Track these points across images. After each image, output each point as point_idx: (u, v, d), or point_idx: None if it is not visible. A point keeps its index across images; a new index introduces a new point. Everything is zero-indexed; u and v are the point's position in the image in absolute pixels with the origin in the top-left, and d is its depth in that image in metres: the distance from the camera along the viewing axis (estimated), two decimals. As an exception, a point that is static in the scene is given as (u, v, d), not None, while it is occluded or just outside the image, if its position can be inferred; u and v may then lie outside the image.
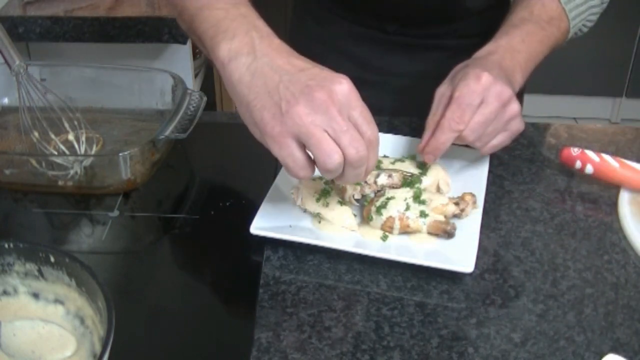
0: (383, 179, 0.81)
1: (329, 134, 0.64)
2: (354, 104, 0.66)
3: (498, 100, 0.78)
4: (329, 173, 0.66)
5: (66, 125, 0.90)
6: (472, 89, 0.78)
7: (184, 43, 1.45)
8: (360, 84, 0.85)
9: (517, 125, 0.82)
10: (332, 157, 0.64)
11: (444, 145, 0.80)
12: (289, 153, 0.65)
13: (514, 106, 0.80)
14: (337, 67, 0.89)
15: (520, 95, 1.18)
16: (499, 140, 0.82)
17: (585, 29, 0.95)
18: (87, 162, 0.85)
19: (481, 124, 0.78)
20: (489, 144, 0.82)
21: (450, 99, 0.79)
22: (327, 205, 0.80)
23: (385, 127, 1.00)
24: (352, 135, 0.65)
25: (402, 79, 1.10)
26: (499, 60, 0.82)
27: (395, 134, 0.95)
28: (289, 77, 0.66)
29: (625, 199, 0.84)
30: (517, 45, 0.85)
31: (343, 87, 0.65)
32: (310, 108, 0.64)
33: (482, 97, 0.78)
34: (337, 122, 0.64)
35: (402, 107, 1.06)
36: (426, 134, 0.82)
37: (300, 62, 0.67)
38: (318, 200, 0.81)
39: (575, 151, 0.89)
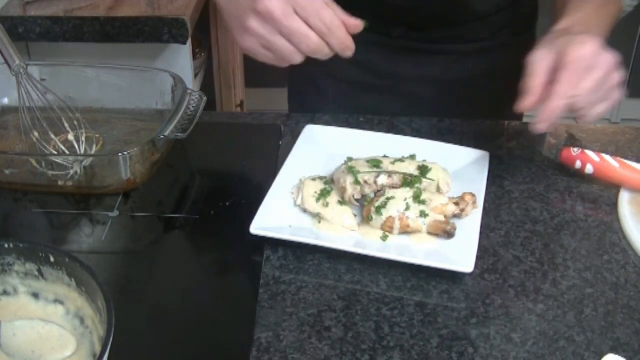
0: (383, 179, 0.81)
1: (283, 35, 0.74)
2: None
3: (607, 66, 0.76)
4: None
5: (66, 125, 0.90)
6: (583, 54, 0.75)
7: (184, 43, 1.45)
8: (365, 89, 0.85)
9: (618, 94, 0.80)
10: (290, 58, 0.76)
11: (558, 111, 0.75)
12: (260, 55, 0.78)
13: (619, 74, 0.78)
14: (341, 72, 0.90)
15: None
16: (602, 108, 0.78)
17: (628, 9, 0.95)
18: (87, 162, 0.85)
19: (591, 90, 0.76)
20: (592, 112, 0.78)
21: (558, 64, 0.76)
22: (327, 205, 0.80)
23: (385, 127, 1.00)
24: (299, 37, 0.74)
25: (407, 83, 1.09)
26: (585, 32, 0.80)
27: (396, 134, 0.95)
28: None
29: (625, 199, 0.84)
30: (592, 19, 0.84)
31: None
32: (259, 21, 0.74)
33: (592, 63, 0.75)
34: (283, 27, 0.74)
35: (407, 111, 1.06)
36: (530, 98, 0.76)
37: None
38: (318, 200, 0.81)
39: (575, 151, 0.89)
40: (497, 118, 1.03)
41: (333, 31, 0.75)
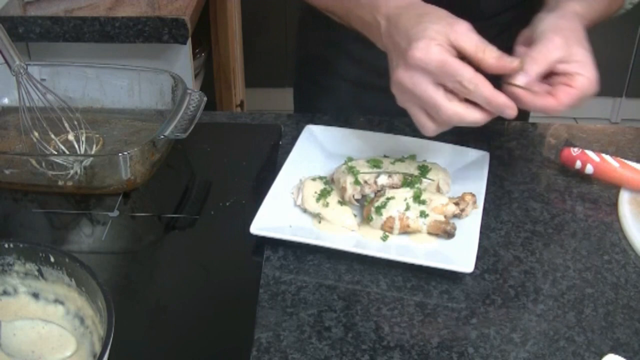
0: (383, 179, 0.81)
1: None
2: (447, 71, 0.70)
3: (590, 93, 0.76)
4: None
5: (66, 125, 0.90)
6: (587, 83, 0.75)
7: (184, 43, 1.45)
8: (369, 88, 0.85)
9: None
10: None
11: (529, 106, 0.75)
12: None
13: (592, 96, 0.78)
14: (345, 71, 0.89)
15: None
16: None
17: (629, 6, 0.95)
18: (87, 162, 0.85)
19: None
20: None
21: (560, 69, 0.75)
22: (327, 205, 0.80)
23: (385, 127, 1.00)
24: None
25: None
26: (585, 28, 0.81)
27: (396, 134, 0.94)
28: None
29: (625, 199, 0.85)
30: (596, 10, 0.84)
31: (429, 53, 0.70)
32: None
33: (587, 91, 0.76)
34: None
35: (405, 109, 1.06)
36: (523, 79, 0.74)
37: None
38: (318, 200, 0.81)
39: (575, 151, 0.89)
40: (497, 118, 1.03)
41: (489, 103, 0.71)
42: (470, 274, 0.74)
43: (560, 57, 0.75)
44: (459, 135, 0.98)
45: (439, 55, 0.69)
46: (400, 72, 0.72)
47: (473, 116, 0.72)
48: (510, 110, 0.72)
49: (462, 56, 0.71)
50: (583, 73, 0.74)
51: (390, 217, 0.77)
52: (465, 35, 0.71)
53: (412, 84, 0.71)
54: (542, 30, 0.77)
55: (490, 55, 0.71)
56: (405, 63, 0.71)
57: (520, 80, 0.73)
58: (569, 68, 0.75)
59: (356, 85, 1.10)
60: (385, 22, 0.77)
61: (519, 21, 0.91)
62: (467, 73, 0.69)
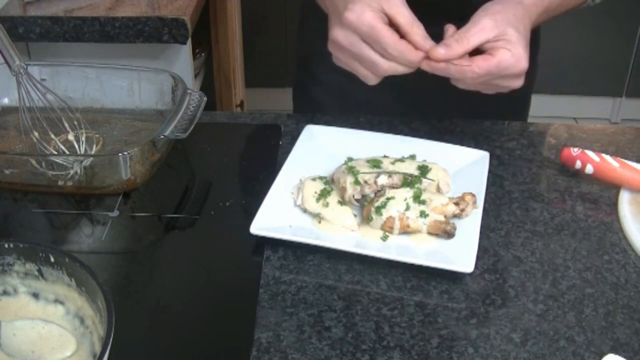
0: (383, 179, 0.81)
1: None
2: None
3: (513, 72, 0.79)
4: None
5: (66, 125, 0.90)
6: (505, 61, 0.78)
7: (184, 43, 1.45)
8: (364, 83, 0.85)
9: (505, 90, 0.83)
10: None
11: (447, 72, 0.80)
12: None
13: (519, 81, 0.82)
14: (344, 68, 0.89)
15: (526, 95, 1.18)
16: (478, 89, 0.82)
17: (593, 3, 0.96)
18: (87, 162, 0.85)
19: (484, 77, 0.80)
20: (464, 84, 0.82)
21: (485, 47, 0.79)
22: (327, 205, 0.80)
23: (385, 127, 1.00)
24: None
25: (404, 77, 1.09)
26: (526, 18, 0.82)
27: (396, 134, 0.95)
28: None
29: (625, 199, 0.84)
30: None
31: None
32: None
33: (507, 66, 0.79)
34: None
35: (406, 106, 1.06)
36: (446, 53, 0.79)
37: None
38: (318, 200, 0.81)
39: (575, 151, 0.89)
40: (497, 118, 1.03)
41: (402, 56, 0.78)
42: (470, 274, 0.74)
43: (487, 38, 0.79)
44: (459, 135, 0.98)
45: (370, 20, 0.76)
46: (337, 31, 0.79)
47: (404, 68, 0.80)
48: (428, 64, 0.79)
49: (392, 24, 0.78)
50: (507, 47, 0.78)
51: (390, 217, 0.77)
52: (398, 7, 0.78)
53: (349, 43, 0.78)
54: (476, 14, 0.81)
55: (416, 32, 0.78)
56: (340, 24, 0.78)
57: (439, 52, 0.79)
58: (495, 45, 0.78)
59: (355, 81, 1.10)
60: None
61: None
62: (391, 41, 0.76)
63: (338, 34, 0.79)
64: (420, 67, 0.79)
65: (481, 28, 0.79)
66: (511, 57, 0.77)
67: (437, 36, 0.80)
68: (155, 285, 0.76)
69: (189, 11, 1.44)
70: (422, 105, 1.07)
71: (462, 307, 0.71)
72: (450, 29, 0.81)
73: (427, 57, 0.78)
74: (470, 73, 0.77)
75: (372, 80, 0.81)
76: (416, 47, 0.78)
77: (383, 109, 1.04)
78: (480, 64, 0.77)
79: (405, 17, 0.78)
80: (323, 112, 1.04)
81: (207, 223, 0.83)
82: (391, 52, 0.77)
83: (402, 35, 0.78)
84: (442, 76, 0.83)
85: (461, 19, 1.05)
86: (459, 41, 0.78)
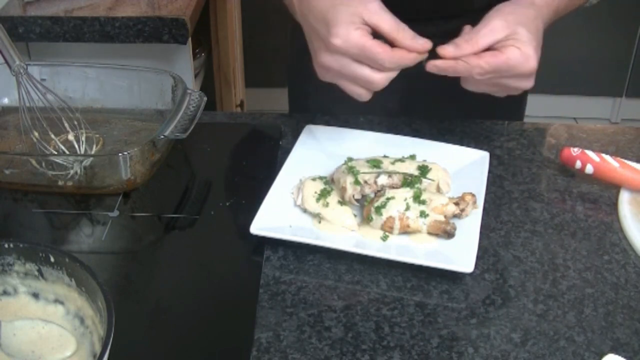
0: (383, 179, 0.81)
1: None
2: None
3: (522, 72, 0.79)
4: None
5: (66, 125, 0.90)
6: (514, 60, 0.78)
7: (184, 43, 1.45)
8: None
9: (514, 92, 0.83)
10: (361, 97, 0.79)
11: (457, 71, 0.80)
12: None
13: (529, 82, 0.81)
14: None
15: (523, 94, 1.18)
16: (486, 90, 0.82)
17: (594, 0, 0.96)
18: (87, 162, 0.85)
19: (490, 75, 0.79)
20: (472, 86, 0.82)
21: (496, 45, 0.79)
22: (327, 205, 0.80)
23: (385, 127, 1.00)
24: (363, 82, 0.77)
25: (403, 78, 1.09)
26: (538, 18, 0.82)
27: (396, 134, 0.95)
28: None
29: (625, 199, 0.85)
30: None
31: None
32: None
33: (516, 64, 0.79)
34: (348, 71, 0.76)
35: (404, 106, 1.06)
36: (455, 52, 0.79)
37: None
38: (318, 200, 0.81)
39: (575, 151, 0.89)
40: (497, 118, 1.03)
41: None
42: (470, 274, 0.74)
43: (497, 39, 0.78)
44: (459, 135, 0.98)
45: (358, 41, 0.74)
46: (325, 57, 0.77)
47: (396, 73, 0.79)
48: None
49: (377, 33, 0.76)
50: (517, 46, 0.77)
51: (390, 217, 0.77)
52: (378, 14, 0.76)
53: (340, 66, 0.77)
54: (488, 14, 0.81)
55: (404, 37, 0.76)
56: (327, 49, 0.76)
57: (449, 50, 0.78)
58: (505, 43, 0.78)
59: None
60: (297, 0, 0.82)
61: None
62: (386, 56, 0.75)
63: (327, 60, 0.77)
64: (426, 69, 0.79)
65: (492, 29, 0.78)
66: (520, 56, 0.77)
67: (436, 35, 0.80)
68: (155, 286, 0.76)
69: (189, 11, 1.44)
70: (422, 105, 1.07)
71: (462, 307, 0.71)
72: (467, 28, 0.81)
73: (428, 58, 0.78)
74: (478, 69, 0.77)
75: (365, 97, 0.80)
76: (408, 50, 0.77)
77: (383, 109, 1.03)
78: (489, 60, 0.77)
79: (388, 23, 0.76)
80: (320, 112, 1.04)
81: (207, 223, 0.83)
82: (388, 66, 0.76)
83: (388, 41, 0.77)
84: (441, 76, 0.83)
85: (459, 17, 1.05)
86: (468, 41, 0.78)
